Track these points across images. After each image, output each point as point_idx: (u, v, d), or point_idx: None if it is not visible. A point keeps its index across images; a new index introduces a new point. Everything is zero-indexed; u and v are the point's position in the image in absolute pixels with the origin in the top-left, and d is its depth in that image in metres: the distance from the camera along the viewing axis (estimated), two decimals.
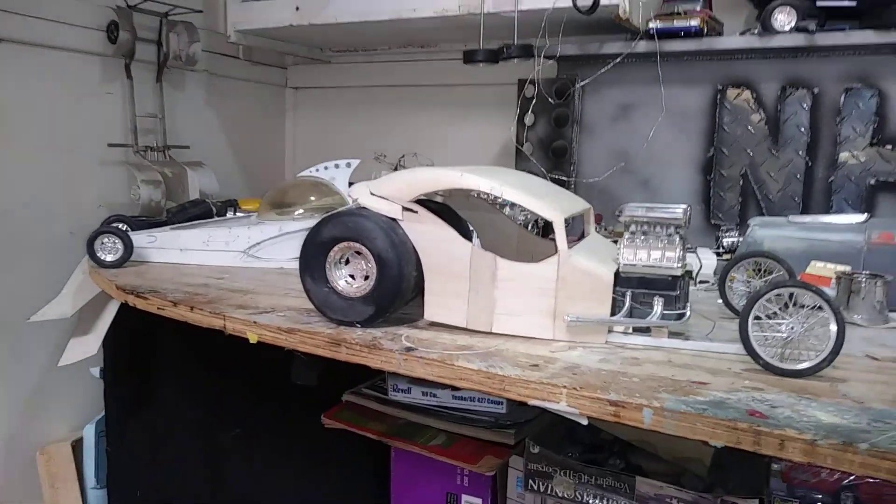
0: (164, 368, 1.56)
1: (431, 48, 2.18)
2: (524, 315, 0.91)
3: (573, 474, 1.06)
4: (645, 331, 0.90)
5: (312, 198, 1.51)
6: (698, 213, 1.67)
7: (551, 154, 1.80)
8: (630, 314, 0.89)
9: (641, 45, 1.60)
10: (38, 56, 1.72)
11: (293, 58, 2.42)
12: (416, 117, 2.25)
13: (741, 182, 1.62)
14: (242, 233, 1.41)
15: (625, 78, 1.68)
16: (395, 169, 1.84)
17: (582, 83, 1.74)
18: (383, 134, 2.25)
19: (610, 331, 0.90)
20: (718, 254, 1.37)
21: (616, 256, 0.90)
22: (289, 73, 2.48)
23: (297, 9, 1.86)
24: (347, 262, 0.96)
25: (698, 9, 1.57)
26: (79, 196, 1.84)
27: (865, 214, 1.19)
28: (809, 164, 1.56)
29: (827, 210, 1.54)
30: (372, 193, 0.96)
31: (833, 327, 0.75)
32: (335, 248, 0.95)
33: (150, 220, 1.60)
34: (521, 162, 1.83)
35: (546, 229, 1.35)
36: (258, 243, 1.40)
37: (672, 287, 0.88)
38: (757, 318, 0.79)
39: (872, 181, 1.50)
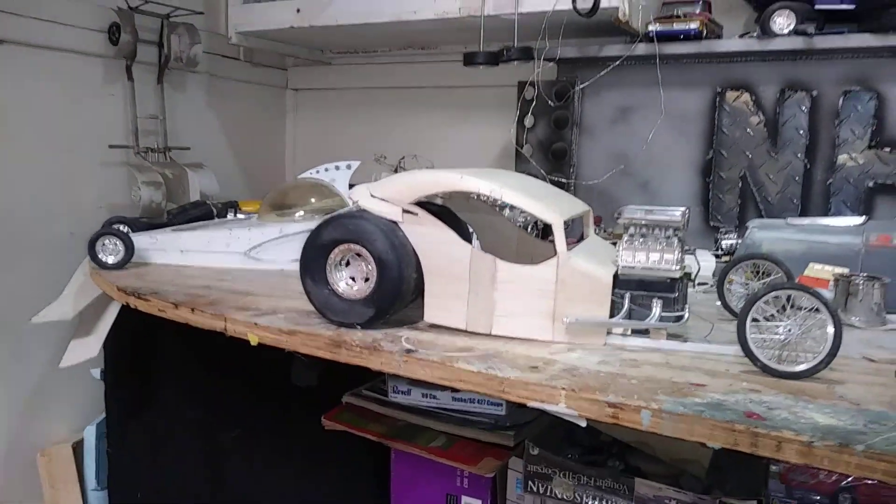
0: (164, 370, 1.56)
1: (432, 50, 2.18)
2: (524, 317, 0.91)
3: (572, 476, 1.06)
4: (644, 332, 0.90)
5: (313, 199, 1.51)
6: (697, 215, 1.67)
7: (551, 156, 1.80)
8: (629, 316, 0.89)
9: (641, 48, 1.61)
10: (40, 57, 1.73)
11: (294, 59, 2.43)
12: (417, 119, 2.26)
13: (740, 184, 1.63)
14: (243, 234, 1.41)
15: (624, 80, 1.69)
16: (396, 170, 1.84)
17: (582, 85, 1.75)
18: (383, 135, 2.25)
19: (609, 333, 0.91)
20: (717, 256, 1.38)
21: (615, 258, 0.91)
22: (289, 75, 2.49)
23: (298, 11, 1.87)
24: (348, 264, 0.96)
25: (697, 12, 1.57)
26: (80, 197, 1.84)
27: (863, 217, 1.20)
28: (808, 166, 1.56)
29: (825, 212, 1.54)
30: (372, 196, 0.96)
31: (830, 329, 0.76)
32: (336, 251, 0.95)
33: (150, 221, 1.61)
34: (520, 164, 1.83)
35: (546, 231, 1.35)
36: (259, 245, 1.41)
37: (670, 289, 0.89)
38: (755, 320, 0.79)
39: (871, 183, 1.51)
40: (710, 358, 0.86)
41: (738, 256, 1.08)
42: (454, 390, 0.99)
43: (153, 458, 1.58)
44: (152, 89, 1.99)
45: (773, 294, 0.79)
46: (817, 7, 1.46)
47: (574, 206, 1.03)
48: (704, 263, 1.29)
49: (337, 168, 1.64)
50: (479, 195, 0.97)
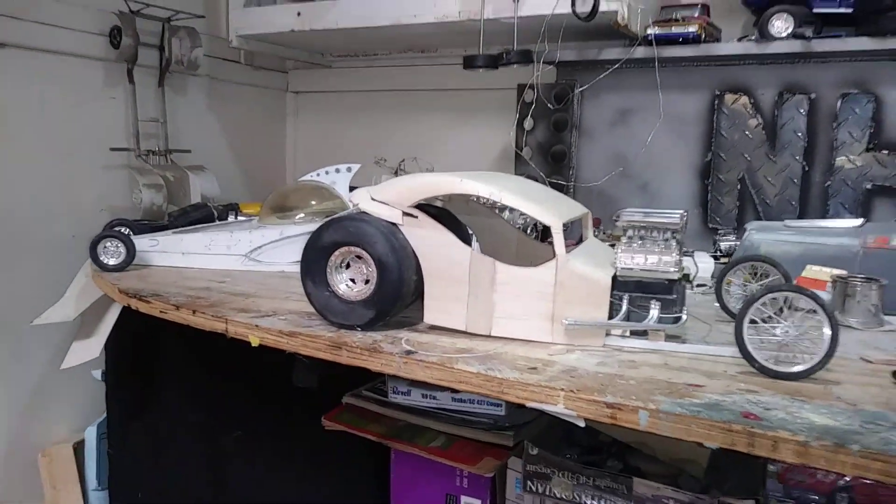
0: (166, 371, 1.57)
1: (432, 53, 2.19)
2: (523, 319, 0.92)
3: (571, 475, 1.07)
4: (642, 334, 0.91)
5: (313, 202, 1.52)
6: (696, 217, 1.68)
7: (550, 158, 1.81)
8: (627, 318, 0.90)
9: (640, 51, 1.62)
10: (42, 61, 1.74)
11: (294, 62, 2.44)
12: (417, 122, 2.26)
13: (739, 186, 1.63)
14: (244, 236, 1.42)
15: (623, 83, 1.69)
16: (396, 173, 1.85)
17: (581, 88, 1.75)
18: (384, 138, 2.26)
19: (608, 334, 0.91)
20: (716, 257, 1.38)
21: (614, 261, 0.91)
22: (290, 78, 2.50)
23: (299, 14, 1.88)
24: (348, 266, 0.97)
25: (696, 15, 1.58)
26: (81, 199, 1.85)
27: (861, 219, 1.20)
28: (806, 168, 1.57)
29: (824, 214, 1.55)
30: (372, 198, 0.97)
31: (827, 331, 0.76)
32: (336, 253, 0.96)
33: (152, 223, 1.62)
34: (520, 166, 1.84)
35: (545, 233, 1.36)
36: (259, 247, 1.41)
37: (669, 291, 0.89)
38: (752, 321, 0.80)
39: (869, 186, 1.52)
40: (708, 359, 0.86)
41: (736, 258, 1.09)
42: (454, 391, 1.00)
43: (154, 458, 1.59)
44: (153, 92, 2.00)
45: (771, 296, 0.80)
46: (815, 11, 1.47)
47: (573, 208, 1.03)
48: (703, 265, 1.30)
49: (337, 171, 1.64)
50: (478, 198, 0.98)
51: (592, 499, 1.04)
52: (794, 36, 1.49)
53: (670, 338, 0.91)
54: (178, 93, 2.09)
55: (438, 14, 1.69)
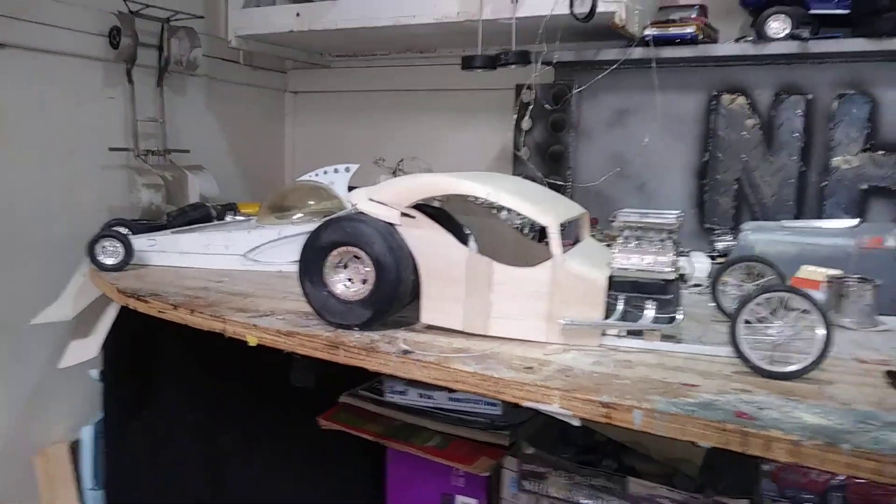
0: (163, 371, 1.57)
1: (430, 54, 2.20)
2: (519, 318, 0.92)
3: (567, 475, 1.07)
4: (638, 334, 0.91)
5: (311, 202, 1.52)
6: (693, 218, 1.68)
7: (548, 159, 1.81)
8: (623, 318, 0.90)
9: (637, 52, 1.62)
10: (41, 61, 1.74)
11: (293, 63, 2.44)
12: (415, 122, 2.27)
13: (735, 187, 1.64)
14: (242, 236, 1.42)
15: (621, 84, 1.70)
16: (394, 173, 1.85)
17: (579, 89, 1.76)
18: (382, 138, 2.26)
19: (603, 334, 0.92)
20: (712, 257, 1.39)
21: (610, 261, 0.92)
22: (289, 78, 2.50)
23: (298, 14, 1.88)
24: (346, 266, 0.97)
25: (694, 16, 1.59)
26: (80, 199, 1.85)
27: (857, 219, 1.21)
28: (803, 169, 1.57)
29: (820, 214, 1.55)
30: (370, 199, 0.97)
31: (821, 331, 0.77)
32: (334, 253, 0.96)
33: (150, 223, 1.62)
34: (518, 166, 1.84)
35: (543, 233, 1.36)
36: (257, 247, 1.42)
37: (664, 291, 0.90)
38: (747, 321, 0.80)
39: (865, 186, 1.52)
40: (703, 359, 0.87)
41: (731, 258, 1.10)
42: (450, 390, 1.00)
43: (151, 458, 1.59)
44: (152, 92, 2.00)
45: (766, 296, 0.80)
46: (812, 12, 1.48)
47: (570, 209, 1.04)
48: (699, 265, 1.30)
49: (336, 171, 1.65)
50: (476, 198, 0.98)
51: (587, 498, 1.05)
52: (791, 37, 1.49)
53: (666, 338, 0.92)
54: (177, 93, 2.09)
55: (437, 14, 1.69)
